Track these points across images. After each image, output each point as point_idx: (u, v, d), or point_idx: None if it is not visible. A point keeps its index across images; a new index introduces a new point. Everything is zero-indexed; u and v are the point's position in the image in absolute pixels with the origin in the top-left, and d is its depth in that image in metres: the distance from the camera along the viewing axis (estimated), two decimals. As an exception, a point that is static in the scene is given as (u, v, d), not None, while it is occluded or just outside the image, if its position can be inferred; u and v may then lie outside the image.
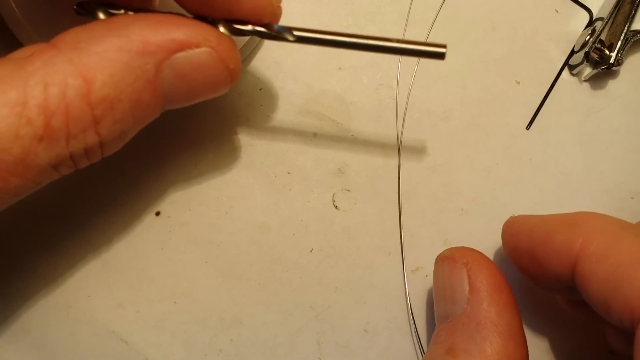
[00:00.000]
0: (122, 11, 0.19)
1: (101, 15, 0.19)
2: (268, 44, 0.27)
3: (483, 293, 0.20)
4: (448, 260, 0.22)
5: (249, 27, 0.19)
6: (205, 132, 0.26)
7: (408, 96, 0.27)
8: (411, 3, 0.28)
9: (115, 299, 0.25)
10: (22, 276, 0.25)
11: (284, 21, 0.27)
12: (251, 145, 0.27)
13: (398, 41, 0.20)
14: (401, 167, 0.27)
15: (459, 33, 0.28)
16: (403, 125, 0.27)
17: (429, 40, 0.21)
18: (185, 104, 0.20)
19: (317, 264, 0.26)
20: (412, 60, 0.28)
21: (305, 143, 0.27)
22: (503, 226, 0.23)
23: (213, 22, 0.19)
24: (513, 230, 0.23)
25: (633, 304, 0.16)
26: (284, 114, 0.27)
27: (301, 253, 0.26)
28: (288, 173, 0.26)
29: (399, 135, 0.27)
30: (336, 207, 0.26)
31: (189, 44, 0.18)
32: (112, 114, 0.17)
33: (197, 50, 0.18)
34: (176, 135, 0.26)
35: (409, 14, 0.28)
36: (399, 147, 0.27)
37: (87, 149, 0.17)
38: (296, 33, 0.20)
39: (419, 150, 0.27)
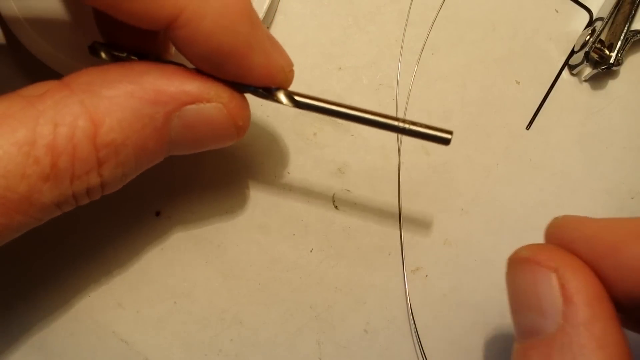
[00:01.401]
0: (126, 55, 0.19)
1: (104, 57, 0.19)
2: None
3: (582, 306, 0.16)
4: (530, 263, 0.18)
5: (252, 88, 0.19)
6: (205, 132, 0.26)
7: (408, 96, 0.27)
8: (411, 3, 0.28)
9: (115, 299, 0.25)
10: (22, 276, 0.25)
11: (284, 22, 0.27)
12: (251, 145, 0.27)
13: (404, 121, 0.19)
14: (401, 167, 0.27)
15: (459, 33, 0.28)
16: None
17: (435, 124, 0.19)
18: (189, 152, 0.20)
19: (317, 264, 0.26)
20: (412, 60, 0.28)
21: (305, 143, 0.27)
22: (547, 230, 0.20)
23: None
24: (564, 237, 0.19)
25: None
26: (284, 114, 0.27)
27: (301, 253, 0.26)
28: (288, 173, 0.26)
29: (399, 136, 0.27)
30: (336, 207, 0.26)
31: (200, 98, 0.18)
32: (115, 158, 0.17)
33: (208, 104, 0.18)
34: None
35: (409, 14, 0.28)
36: (399, 148, 0.27)
37: (89, 189, 0.17)
38: (298, 99, 0.19)
39: (419, 151, 0.27)
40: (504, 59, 0.28)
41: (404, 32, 0.28)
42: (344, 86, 0.27)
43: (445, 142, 0.19)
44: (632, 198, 0.27)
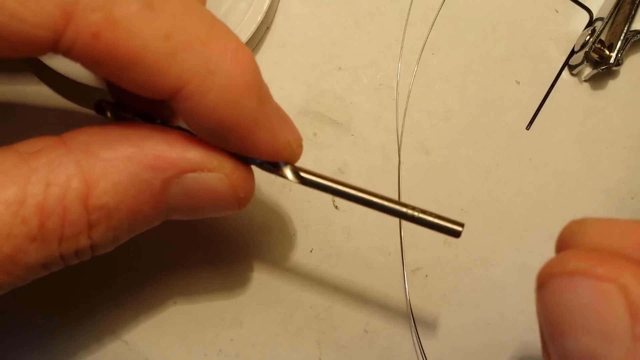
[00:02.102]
0: (132, 116, 0.19)
1: (110, 116, 0.19)
2: (268, 43, 0.27)
3: None
4: (586, 277, 0.14)
5: (258, 161, 0.19)
6: (205, 132, 0.26)
7: (408, 96, 0.27)
8: (411, 3, 0.28)
9: (115, 299, 0.25)
10: (22, 276, 0.25)
11: (284, 22, 0.27)
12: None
13: (413, 209, 0.19)
14: (401, 167, 0.27)
15: (459, 33, 0.28)
16: (403, 125, 0.27)
17: (445, 215, 0.19)
18: (187, 218, 0.20)
19: (317, 264, 0.26)
20: (412, 60, 0.28)
21: (305, 143, 0.27)
22: (564, 237, 0.17)
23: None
24: (604, 242, 0.16)
25: None
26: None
27: (301, 253, 0.26)
28: (288, 173, 0.26)
29: (399, 135, 0.27)
30: (336, 207, 0.26)
31: (202, 166, 0.17)
32: (107, 221, 0.17)
33: (209, 174, 0.18)
34: (176, 135, 0.26)
35: (409, 14, 0.28)
36: (399, 147, 0.27)
37: (77, 251, 0.17)
38: (303, 175, 0.19)
39: (419, 150, 0.27)
40: (504, 59, 0.28)
41: (404, 32, 0.28)
42: (344, 86, 0.27)
43: (456, 234, 0.19)
44: (632, 198, 0.27)
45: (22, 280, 0.16)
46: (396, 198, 0.26)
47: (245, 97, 0.16)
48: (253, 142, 0.18)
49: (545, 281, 0.15)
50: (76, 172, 0.15)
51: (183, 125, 0.18)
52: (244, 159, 0.18)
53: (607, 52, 0.27)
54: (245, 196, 0.19)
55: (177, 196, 0.18)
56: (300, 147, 0.20)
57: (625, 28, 0.27)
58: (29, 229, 0.15)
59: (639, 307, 0.13)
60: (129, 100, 0.19)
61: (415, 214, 0.19)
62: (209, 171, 0.18)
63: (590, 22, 0.28)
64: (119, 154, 0.16)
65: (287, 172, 0.19)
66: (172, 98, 0.16)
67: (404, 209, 0.19)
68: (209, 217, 0.20)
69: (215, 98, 0.16)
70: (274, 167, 0.19)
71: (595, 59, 0.27)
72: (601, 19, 0.27)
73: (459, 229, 0.18)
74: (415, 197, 0.27)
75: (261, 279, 0.26)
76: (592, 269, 0.14)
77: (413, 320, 0.25)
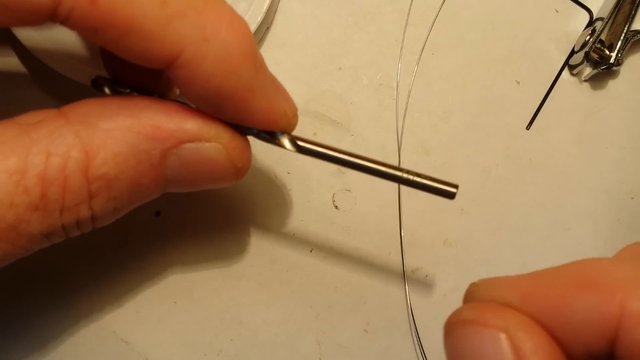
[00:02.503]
0: (129, 91, 0.19)
1: (107, 92, 0.19)
2: (268, 44, 0.27)
3: None
4: (475, 325, 0.16)
5: (255, 131, 0.19)
6: (205, 132, 0.26)
7: (408, 96, 0.27)
8: (411, 3, 0.28)
9: (116, 299, 0.25)
10: (22, 277, 0.25)
11: (284, 22, 0.27)
12: (251, 145, 0.26)
13: (408, 172, 0.19)
14: (401, 167, 0.27)
15: (459, 33, 0.28)
16: (403, 125, 0.27)
17: (440, 177, 0.19)
18: (186, 190, 0.20)
19: (317, 264, 0.26)
20: (412, 60, 0.28)
21: (305, 143, 0.27)
22: (467, 295, 0.18)
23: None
24: (497, 297, 0.16)
25: None
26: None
27: (301, 253, 0.26)
28: (288, 173, 0.26)
29: (399, 135, 0.27)
30: (336, 207, 0.26)
31: (200, 136, 0.18)
32: (107, 192, 0.17)
33: (207, 144, 0.18)
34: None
35: (409, 14, 0.28)
36: (399, 147, 0.27)
37: (79, 222, 0.17)
38: (301, 144, 0.19)
39: (419, 150, 0.27)
40: (504, 59, 0.28)
41: (404, 32, 0.28)
42: (344, 86, 0.27)
43: (450, 196, 0.19)
44: (632, 198, 0.27)
45: (25, 250, 0.17)
46: (396, 198, 0.27)
47: (241, 66, 0.17)
48: (250, 110, 0.18)
49: (446, 331, 0.17)
50: (76, 143, 0.16)
51: (180, 99, 0.18)
52: (241, 129, 0.19)
53: (607, 52, 0.27)
54: (242, 166, 0.19)
55: (175, 167, 0.18)
56: (295, 117, 0.20)
57: (625, 28, 0.27)
58: (31, 199, 0.15)
59: (524, 351, 0.14)
60: (125, 76, 0.19)
61: (411, 177, 0.19)
62: (207, 141, 0.18)
63: (590, 22, 0.28)
64: (118, 124, 0.16)
65: (285, 141, 0.19)
66: (168, 66, 0.16)
67: (400, 173, 0.19)
68: (207, 189, 0.20)
69: (211, 66, 0.16)
70: (271, 137, 0.19)
71: (596, 59, 0.27)
72: (601, 19, 0.27)
73: (454, 190, 0.19)
74: (415, 197, 0.27)
75: (261, 279, 0.26)
76: (481, 316, 0.15)
77: (413, 320, 0.25)
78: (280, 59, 0.27)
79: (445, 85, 0.28)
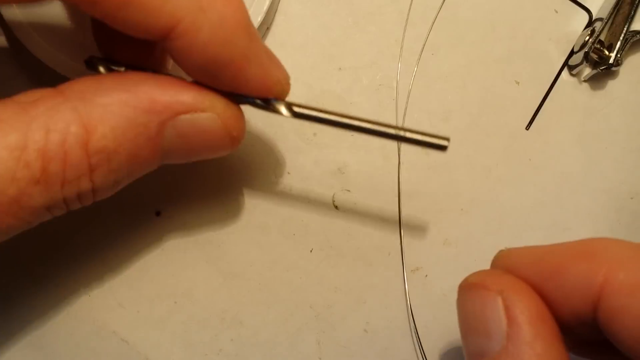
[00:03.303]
0: (124, 69, 0.19)
1: (102, 70, 0.19)
2: (268, 44, 0.27)
3: (525, 326, 0.17)
4: (477, 288, 0.18)
5: (251, 99, 0.19)
6: (205, 132, 0.26)
7: (408, 96, 0.27)
8: (411, 3, 0.28)
9: (116, 298, 0.25)
10: (22, 276, 0.25)
11: (284, 22, 0.27)
12: (251, 146, 0.27)
13: (401, 129, 0.20)
14: (401, 167, 0.27)
15: (459, 33, 0.28)
16: (403, 125, 0.27)
17: (431, 131, 0.20)
18: (183, 161, 0.20)
19: (317, 264, 0.26)
20: (412, 60, 0.28)
21: (305, 143, 0.27)
22: (494, 261, 0.20)
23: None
24: (510, 264, 0.19)
25: None
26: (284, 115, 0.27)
27: (301, 253, 0.26)
28: (288, 173, 0.26)
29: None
30: (336, 207, 0.26)
31: (195, 107, 0.18)
32: (107, 165, 0.17)
33: (202, 114, 0.18)
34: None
35: (409, 14, 0.28)
36: (399, 147, 0.27)
37: (80, 194, 0.17)
38: (296, 109, 0.20)
39: (419, 151, 0.27)
40: (504, 59, 0.28)
41: (404, 32, 0.28)
42: (344, 86, 0.27)
43: (442, 148, 0.20)
44: (632, 198, 0.27)
45: (28, 223, 0.17)
46: (396, 198, 0.27)
47: (236, 34, 0.17)
48: (245, 78, 0.18)
49: (458, 293, 0.20)
50: (74, 118, 0.16)
51: (172, 74, 0.19)
52: (238, 98, 0.19)
53: (607, 53, 0.27)
54: (237, 135, 0.20)
55: (172, 138, 0.18)
56: (288, 84, 0.20)
57: (625, 28, 0.27)
58: (32, 173, 0.16)
59: (513, 312, 0.17)
60: (118, 52, 0.20)
61: (403, 133, 0.20)
62: (202, 112, 0.18)
63: (590, 23, 0.28)
64: (115, 99, 0.17)
65: (281, 107, 0.20)
66: (165, 37, 0.17)
67: (393, 131, 0.20)
68: (203, 159, 0.20)
69: (208, 35, 0.17)
70: (266, 104, 0.19)
71: (595, 59, 0.27)
72: (601, 19, 0.27)
73: (445, 143, 0.20)
74: (415, 197, 0.27)
75: (261, 280, 0.26)
76: (483, 281, 0.18)
77: (413, 320, 0.25)
78: (280, 59, 0.27)
79: (445, 86, 0.28)
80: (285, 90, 0.20)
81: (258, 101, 0.19)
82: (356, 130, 0.20)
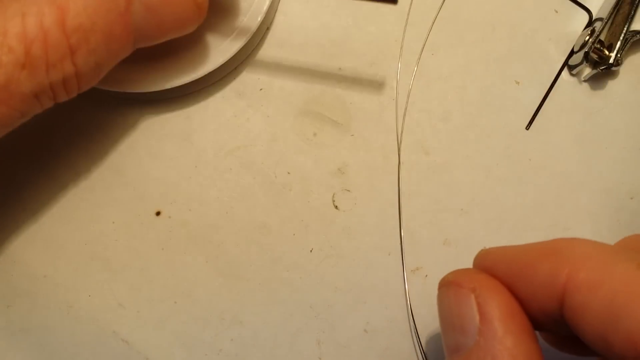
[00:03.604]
0: None
1: None
2: (268, 44, 0.27)
3: (496, 322, 0.17)
4: (453, 285, 0.20)
5: None
6: (205, 132, 0.26)
7: (408, 96, 0.27)
8: (411, 3, 0.28)
9: (116, 299, 0.25)
10: (22, 276, 0.25)
11: (284, 22, 0.27)
12: (251, 145, 0.27)
13: None
14: (401, 167, 0.27)
15: (459, 33, 0.28)
16: (403, 125, 0.27)
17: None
18: (155, 41, 0.21)
19: (317, 264, 0.26)
20: (412, 60, 0.28)
21: (305, 143, 0.27)
22: (474, 260, 0.21)
23: None
24: (486, 263, 0.20)
25: (637, 337, 0.15)
26: (284, 114, 0.27)
27: (301, 253, 0.26)
28: (288, 173, 0.26)
29: (399, 135, 0.27)
30: (336, 207, 0.26)
31: None
32: (86, 45, 0.18)
33: None
34: (176, 136, 0.26)
35: (409, 14, 0.28)
36: (399, 147, 0.27)
37: (64, 79, 0.18)
38: None
39: (419, 150, 0.27)
40: (504, 59, 0.28)
41: (404, 32, 0.28)
42: (344, 86, 0.27)
43: (393, 1, 0.21)
44: (632, 198, 0.27)
45: (20, 113, 0.18)
46: (396, 198, 0.27)
47: None
48: None
49: (438, 291, 0.21)
50: (46, 0, 0.17)
51: None
52: None
53: (607, 52, 0.27)
54: (202, 2, 0.21)
55: (141, 14, 0.19)
56: None
57: (625, 28, 0.27)
58: (17, 57, 0.17)
59: (485, 308, 0.18)
60: None
61: None
62: None
63: (590, 23, 0.28)
64: None
65: None
66: None
67: None
68: (174, 35, 0.21)
69: None
70: None
71: (595, 59, 0.27)
72: (601, 19, 0.27)
73: None
74: (415, 197, 0.27)
75: (261, 279, 0.26)
76: (457, 279, 0.19)
77: (413, 320, 0.26)
78: (280, 59, 0.27)
79: (445, 86, 0.28)
80: None
81: None
82: None
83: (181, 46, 0.24)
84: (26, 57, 0.17)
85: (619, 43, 0.27)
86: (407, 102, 0.27)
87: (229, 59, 0.24)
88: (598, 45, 0.27)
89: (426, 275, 0.26)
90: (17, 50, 0.16)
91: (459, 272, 0.20)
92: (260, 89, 0.27)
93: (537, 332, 0.19)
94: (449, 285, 0.20)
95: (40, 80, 0.17)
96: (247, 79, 0.27)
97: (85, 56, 0.18)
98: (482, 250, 0.21)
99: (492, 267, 0.19)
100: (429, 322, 0.26)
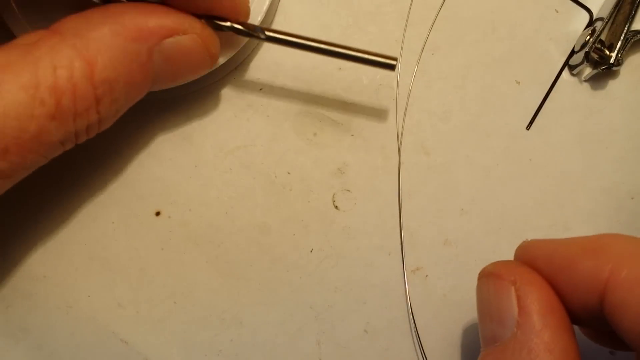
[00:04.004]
0: None
1: (97, 0, 0.20)
2: (268, 44, 0.27)
3: (535, 315, 0.18)
4: (493, 277, 0.20)
5: (228, 24, 0.21)
6: (205, 132, 0.26)
7: (408, 96, 0.27)
8: (411, 3, 0.28)
9: (116, 299, 0.25)
10: (22, 276, 0.25)
11: (284, 22, 0.27)
12: (251, 145, 0.27)
13: (355, 50, 0.22)
14: (401, 167, 0.27)
15: (459, 33, 0.28)
16: (403, 125, 0.27)
17: (382, 52, 0.23)
18: (169, 85, 0.22)
19: (317, 264, 0.26)
20: (412, 60, 0.28)
21: (305, 143, 0.27)
22: (516, 251, 0.21)
23: (197, 16, 0.21)
24: (528, 255, 0.20)
25: None
26: (284, 114, 0.27)
27: (301, 253, 0.26)
28: (288, 173, 0.26)
29: (399, 135, 0.27)
30: (336, 207, 0.26)
31: (177, 30, 0.20)
32: (110, 94, 0.19)
33: (184, 36, 0.20)
34: (176, 135, 0.26)
35: (409, 14, 0.28)
36: (399, 147, 0.27)
37: (88, 126, 0.19)
38: (267, 33, 0.22)
39: (419, 150, 0.27)
40: (504, 59, 0.28)
41: (404, 32, 0.28)
42: (344, 86, 0.27)
43: (390, 67, 0.22)
44: (632, 198, 0.27)
45: (45, 158, 0.19)
46: (396, 198, 0.27)
47: None
48: (219, 1, 0.21)
49: (478, 281, 0.21)
50: (75, 54, 0.18)
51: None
52: (215, 25, 0.21)
53: (607, 52, 0.27)
54: (215, 52, 0.22)
55: (160, 63, 0.20)
56: (249, 6, 0.23)
57: (626, 28, 0.27)
58: (48, 109, 0.17)
59: (525, 301, 0.18)
60: None
61: (351, 52, 0.22)
62: (183, 34, 0.20)
63: (590, 22, 0.28)
64: (106, 32, 0.18)
65: (255, 31, 0.22)
66: None
67: (341, 50, 0.22)
68: (187, 80, 0.22)
69: None
70: (243, 28, 0.22)
71: (596, 59, 0.27)
72: (601, 19, 0.27)
73: (393, 62, 0.22)
74: (415, 197, 0.27)
75: (261, 279, 0.26)
76: (498, 271, 0.20)
77: (413, 320, 0.26)
78: (280, 59, 0.27)
79: (445, 85, 0.28)
80: (249, 12, 0.23)
81: (236, 26, 0.21)
82: (317, 52, 0.22)
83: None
84: (56, 109, 0.17)
85: (619, 43, 0.27)
86: (407, 102, 0.27)
87: (229, 59, 0.24)
88: (599, 45, 0.27)
89: (426, 275, 0.26)
90: (48, 102, 0.17)
91: (500, 263, 0.20)
92: (260, 89, 0.27)
93: (575, 326, 0.19)
94: (489, 277, 0.20)
95: (68, 128, 0.18)
96: (247, 79, 0.27)
97: (108, 105, 0.19)
98: (523, 242, 0.21)
99: (533, 260, 0.20)
100: (429, 322, 0.26)
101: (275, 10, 0.27)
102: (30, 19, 0.23)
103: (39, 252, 0.25)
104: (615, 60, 0.27)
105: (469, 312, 0.26)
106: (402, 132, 0.27)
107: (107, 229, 0.26)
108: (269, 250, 0.26)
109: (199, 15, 0.21)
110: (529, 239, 0.22)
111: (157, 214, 0.26)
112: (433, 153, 0.27)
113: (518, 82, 0.28)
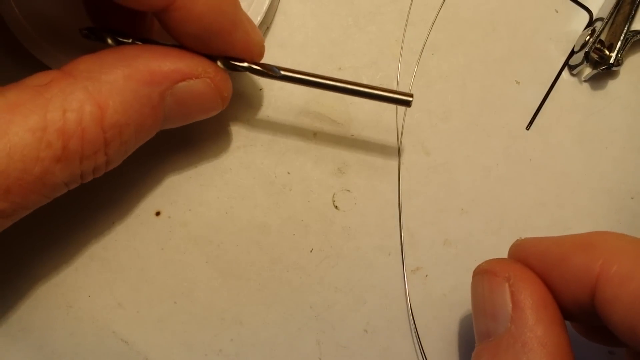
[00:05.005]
0: (130, 40, 0.20)
1: (110, 42, 0.20)
2: (268, 44, 0.27)
3: (528, 310, 0.18)
4: (487, 274, 0.20)
5: (245, 64, 0.21)
6: (205, 132, 0.26)
7: (408, 96, 0.27)
8: (411, 3, 0.28)
9: (116, 299, 0.25)
10: (22, 276, 0.25)
11: (284, 22, 0.27)
12: (251, 145, 0.27)
13: (371, 87, 0.22)
14: (401, 167, 0.27)
15: (459, 33, 0.28)
16: (403, 125, 0.27)
17: (400, 89, 0.24)
18: (179, 125, 0.22)
19: (317, 264, 0.26)
20: (412, 60, 0.28)
21: (305, 143, 0.27)
22: (510, 249, 0.22)
23: (212, 57, 0.21)
24: (522, 253, 0.21)
25: None
26: (284, 114, 0.27)
27: (301, 253, 0.26)
28: (288, 173, 0.26)
29: (399, 135, 0.27)
30: (336, 207, 0.26)
31: (190, 74, 0.20)
32: (120, 138, 0.19)
33: (197, 80, 0.20)
34: (176, 136, 0.26)
35: (409, 14, 0.28)
36: (399, 147, 0.27)
37: (95, 167, 0.19)
38: (283, 73, 0.22)
39: (419, 150, 0.27)
40: (504, 59, 0.28)
41: (404, 32, 0.28)
42: (344, 86, 0.27)
43: (406, 103, 0.22)
44: (632, 198, 0.27)
45: (47, 198, 0.18)
46: (396, 198, 0.27)
47: (225, 4, 0.19)
48: (232, 42, 0.20)
49: (472, 278, 0.21)
50: (87, 97, 0.17)
51: (161, 41, 0.20)
52: (232, 66, 0.21)
53: (607, 52, 0.27)
54: (227, 95, 0.22)
55: (171, 105, 0.20)
56: (264, 47, 0.23)
57: (625, 28, 0.27)
58: (54, 152, 0.17)
59: (518, 297, 0.18)
60: (109, 24, 0.21)
61: (367, 90, 0.22)
62: (196, 77, 0.20)
63: (590, 22, 0.28)
64: (119, 75, 0.18)
65: (274, 70, 0.22)
66: (165, 9, 0.18)
67: (363, 89, 0.22)
68: (197, 120, 0.22)
69: (202, 6, 0.18)
70: (257, 67, 0.22)
71: (595, 59, 0.27)
72: (601, 19, 0.27)
73: (409, 99, 0.22)
74: (415, 197, 0.27)
75: (261, 279, 0.26)
76: (493, 268, 0.20)
77: (413, 320, 0.25)
78: (280, 59, 0.27)
79: (445, 85, 0.28)
80: (263, 52, 0.22)
81: (253, 66, 0.21)
82: (332, 90, 0.22)
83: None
84: (63, 152, 0.17)
85: (619, 43, 0.27)
86: (407, 102, 0.27)
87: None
88: (598, 45, 0.27)
89: (426, 275, 0.26)
90: (55, 145, 0.17)
91: (494, 261, 0.21)
92: (260, 89, 0.27)
93: (567, 322, 0.19)
94: (484, 274, 0.20)
95: (74, 171, 0.18)
96: (247, 79, 0.27)
97: (117, 147, 0.19)
98: (517, 240, 0.22)
99: (526, 257, 0.20)
100: (429, 322, 0.26)
101: (275, 10, 0.27)
102: (30, 20, 0.23)
103: (39, 252, 0.25)
104: (615, 60, 0.27)
105: (469, 312, 0.26)
106: (402, 132, 0.27)
107: (107, 229, 0.26)
108: (269, 250, 0.26)
109: (215, 56, 0.21)
110: (520, 238, 0.22)
111: (157, 214, 0.26)
112: (433, 153, 0.27)
113: (518, 82, 0.28)
